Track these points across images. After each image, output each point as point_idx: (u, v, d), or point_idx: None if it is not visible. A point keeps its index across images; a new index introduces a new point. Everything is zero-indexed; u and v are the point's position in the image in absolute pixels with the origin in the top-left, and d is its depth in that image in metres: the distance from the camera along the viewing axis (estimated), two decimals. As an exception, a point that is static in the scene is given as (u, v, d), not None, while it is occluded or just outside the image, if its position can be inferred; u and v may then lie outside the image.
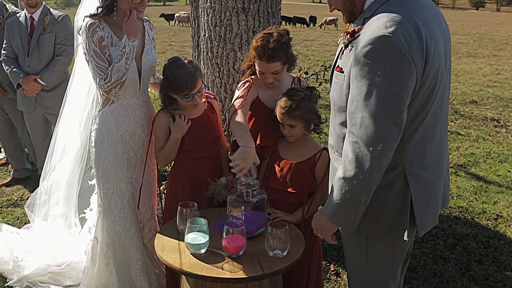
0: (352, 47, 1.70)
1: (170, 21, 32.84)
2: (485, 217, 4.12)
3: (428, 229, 1.85)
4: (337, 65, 1.85)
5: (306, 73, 4.81)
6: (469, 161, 5.62)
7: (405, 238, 1.78)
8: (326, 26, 29.29)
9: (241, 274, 1.96)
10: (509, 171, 5.30)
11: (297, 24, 31.85)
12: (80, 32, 2.51)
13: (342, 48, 1.83)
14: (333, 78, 1.88)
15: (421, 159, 1.77)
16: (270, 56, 2.40)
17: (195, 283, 2.12)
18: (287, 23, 31.34)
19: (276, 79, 2.51)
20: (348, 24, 1.82)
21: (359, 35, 1.69)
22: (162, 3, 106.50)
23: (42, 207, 3.29)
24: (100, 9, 2.49)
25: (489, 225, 4.00)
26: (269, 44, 2.39)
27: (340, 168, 1.72)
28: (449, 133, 6.62)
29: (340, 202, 1.72)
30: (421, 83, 1.65)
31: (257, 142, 2.57)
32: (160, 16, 33.45)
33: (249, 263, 2.03)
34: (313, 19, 31.70)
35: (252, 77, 2.62)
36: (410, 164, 1.76)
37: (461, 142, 6.34)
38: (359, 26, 1.73)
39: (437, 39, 1.69)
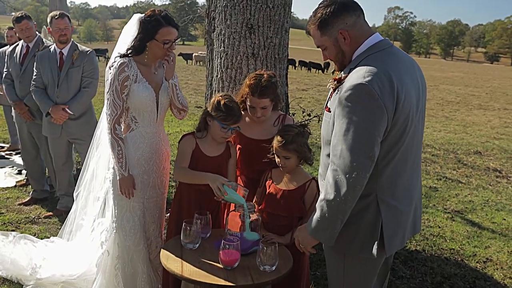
0: (339, 91, 2.04)
1: (188, 60, 33.92)
2: (475, 260, 4.26)
3: (395, 250, 2.15)
4: (327, 105, 2.19)
5: (309, 114, 5.16)
6: (466, 207, 5.75)
7: (375, 255, 2.06)
8: (340, 72, 29.85)
9: (233, 282, 2.25)
10: (504, 218, 5.40)
11: (312, 69, 32.68)
12: (111, 68, 2.87)
13: (331, 91, 2.18)
14: (323, 116, 2.21)
15: (392, 189, 2.07)
16: (262, 92, 2.80)
17: (194, 288, 2.40)
18: (303, 67, 32.15)
19: (263, 115, 2.88)
20: (337, 72, 2.18)
21: (343, 81, 2.03)
22: (181, 43, 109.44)
23: (87, 192, 3.45)
24: (129, 51, 2.87)
25: (478, 267, 4.14)
26: (261, 83, 2.80)
27: (322, 191, 2.03)
28: (450, 181, 6.81)
29: (320, 220, 2.03)
30: (392, 124, 1.96)
31: (250, 168, 3.01)
32: (179, 55, 34.50)
33: (241, 274, 2.32)
34: (327, 65, 32.52)
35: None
36: (382, 193, 2.06)
37: (461, 190, 6.48)
38: (345, 75, 2.08)
39: (408, 89, 2.01)
